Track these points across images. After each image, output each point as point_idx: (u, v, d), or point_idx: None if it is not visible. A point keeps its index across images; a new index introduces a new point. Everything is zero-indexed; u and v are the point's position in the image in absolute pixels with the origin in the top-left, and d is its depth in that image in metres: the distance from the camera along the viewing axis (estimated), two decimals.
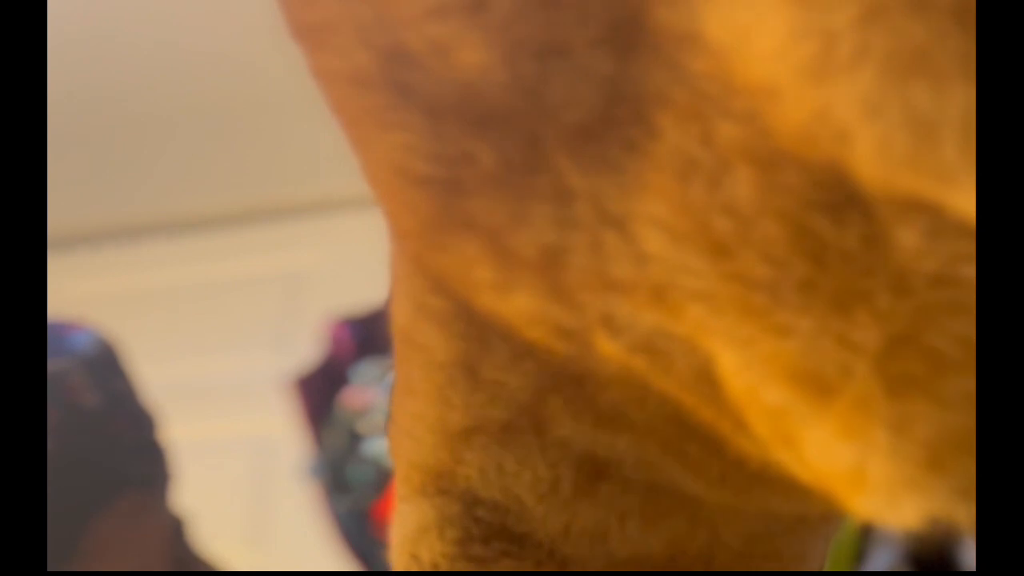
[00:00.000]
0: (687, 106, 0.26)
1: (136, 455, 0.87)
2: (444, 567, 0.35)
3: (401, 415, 0.36)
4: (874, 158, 0.24)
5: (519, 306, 0.30)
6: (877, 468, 0.26)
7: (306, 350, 1.62)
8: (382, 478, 1.37)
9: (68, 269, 2.19)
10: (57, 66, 1.79)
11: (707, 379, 0.29)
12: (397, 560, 0.37)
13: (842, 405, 0.26)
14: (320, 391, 1.53)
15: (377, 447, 1.38)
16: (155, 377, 2.07)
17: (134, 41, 1.92)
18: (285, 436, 1.66)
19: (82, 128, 2.04)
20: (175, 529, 0.89)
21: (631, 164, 0.27)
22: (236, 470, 1.98)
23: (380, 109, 0.30)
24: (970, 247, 0.24)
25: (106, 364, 0.87)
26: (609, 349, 0.30)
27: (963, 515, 0.27)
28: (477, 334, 0.32)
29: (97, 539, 0.80)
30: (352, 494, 1.43)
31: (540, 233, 0.29)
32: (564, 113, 0.28)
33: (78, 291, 2.18)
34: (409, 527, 0.36)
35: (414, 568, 0.35)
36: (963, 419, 0.26)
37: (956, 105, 0.23)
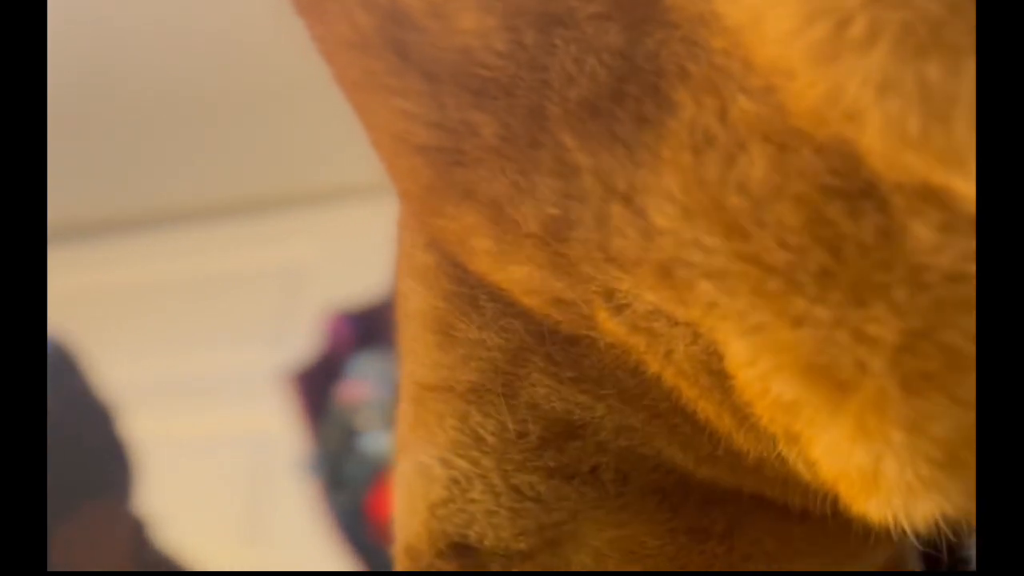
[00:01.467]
0: (705, 80, 0.26)
1: (93, 458, 0.86)
2: (427, 517, 0.35)
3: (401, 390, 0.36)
4: (884, 137, 0.23)
5: (517, 276, 0.30)
6: (892, 469, 0.26)
7: (304, 344, 1.62)
8: (379, 475, 1.37)
9: (62, 262, 2.18)
10: (52, 56, 1.79)
11: (709, 371, 0.28)
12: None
13: (857, 402, 0.25)
14: (318, 386, 1.53)
15: (374, 443, 1.38)
16: (151, 372, 2.07)
17: (129, 30, 1.92)
18: (283, 432, 1.66)
19: (76, 120, 2.03)
20: (138, 531, 0.89)
21: (643, 139, 0.27)
22: (233, 466, 1.98)
23: (380, 73, 0.29)
24: None
25: (58, 366, 0.87)
26: (609, 326, 0.29)
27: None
28: (465, 293, 0.32)
29: (60, 549, 0.80)
30: (349, 491, 1.42)
31: (543, 205, 0.28)
32: (570, 87, 0.27)
33: (72, 285, 2.17)
34: (399, 499, 0.36)
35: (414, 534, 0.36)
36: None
37: (969, 82, 0.22)
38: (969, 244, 0.24)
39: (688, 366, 0.29)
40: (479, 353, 0.32)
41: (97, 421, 0.89)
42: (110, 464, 0.88)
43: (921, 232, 0.24)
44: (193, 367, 2.06)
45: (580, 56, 0.27)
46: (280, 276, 2.14)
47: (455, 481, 0.34)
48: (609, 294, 0.28)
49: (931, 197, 0.24)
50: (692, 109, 0.26)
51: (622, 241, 0.27)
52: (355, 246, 1.83)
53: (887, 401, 0.25)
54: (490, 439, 0.33)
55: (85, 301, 2.18)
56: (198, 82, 2.01)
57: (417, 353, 0.33)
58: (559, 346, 0.31)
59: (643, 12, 0.26)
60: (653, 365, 0.29)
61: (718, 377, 0.28)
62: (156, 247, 2.23)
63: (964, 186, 0.23)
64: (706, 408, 0.30)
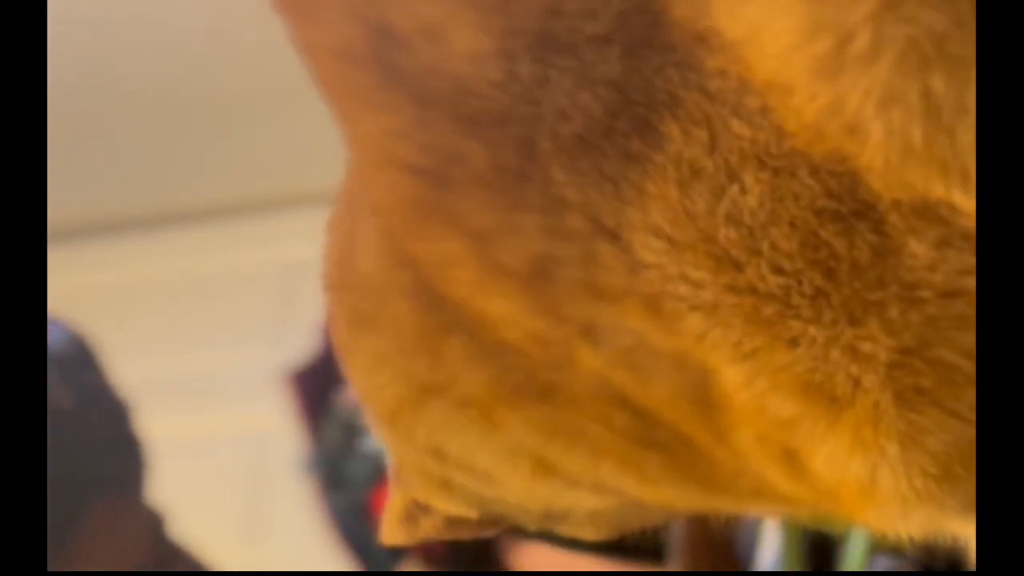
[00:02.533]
0: (697, 110, 0.26)
1: (111, 452, 0.86)
2: (435, 536, 0.36)
3: (359, 351, 0.35)
4: (886, 149, 0.23)
5: (497, 309, 0.29)
6: (888, 480, 0.26)
7: (304, 344, 1.62)
8: (380, 474, 1.37)
9: (62, 262, 2.18)
10: (52, 57, 1.79)
11: (689, 398, 0.29)
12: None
13: (853, 417, 0.26)
14: (317, 385, 1.53)
15: (376, 442, 1.38)
16: (151, 371, 2.07)
17: (130, 31, 1.92)
18: (282, 431, 1.66)
19: (77, 120, 2.03)
20: (155, 525, 0.88)
21: (629, 175, 0.27)
22: (233, 465, 1.98)
23: (368, 87, 0.29)
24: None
25: (78, 360, 0.86)
26: (589, 362, 0.29)
27: (972, 528, 0.27)
28: (438, 321, 0.31)
29: (78, 543, 0.79)
30: (350, 490, 1.42)
31: (528, 243, 0.28)
32: (562, 122, 0.27)
33: (72, 284, 2.17)
34: (396, 508, 0.37)
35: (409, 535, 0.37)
36: (974, 431, 0.26)
37: (973, 92, 0.22)
38: (964, 260, 0.24)
39: (667, 393, 0.29)
40: (460, 380, 0.32)
41: (113, 416, 0.88)
42: (126, 459, 0.88)
43: (917, 249, 0.25)
44: (193, 367, 2.06)
45: (575, 90, 0.27)
46: (279, 275, 2.14)
47: (467, 486, 0.35)
48: (590, 332, 0.28)
49: (928, 213, 0.24)
50: (679, 142, 0.26)
51: (608, 276, 0.27)
52: None
53: (882, 415, 0.26)
54: (496, 473, 0.34)
55: (85, 301, 2.18)
56: (197, 84, 2.01)
57: (414, 356, 0.32)
58: (531, 403, 0.31)
59: (644, 33, 0.26)
60: (633, 397, 0.30)
61: (699, 405, 0.28)
62: (156, 247, 2.23)
63: (963, 199, 0.23)
64: (686, 428, 0.30)
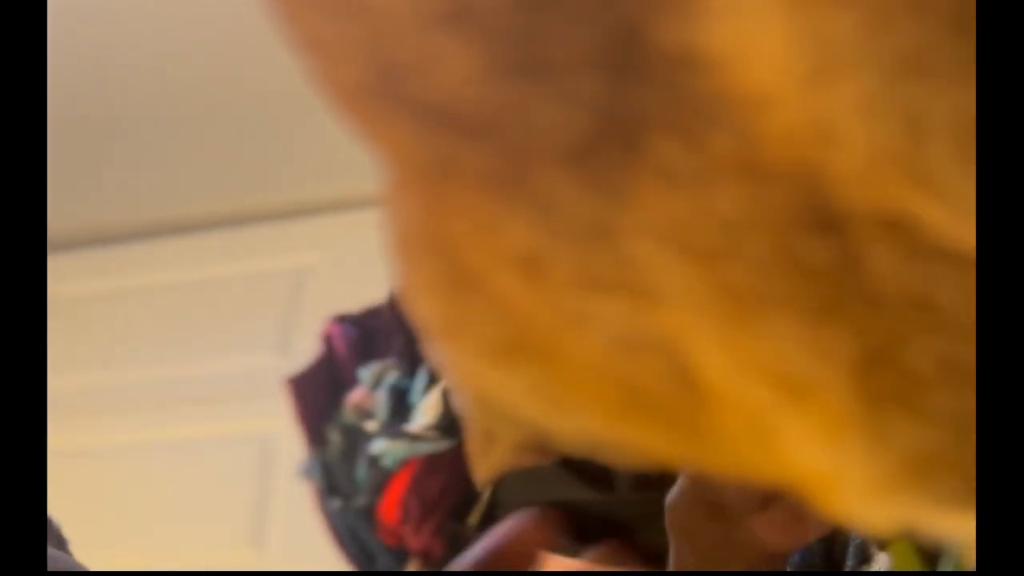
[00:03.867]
0: (680, 122, 0.27)
1: None
2: (511, 462, 0.38)
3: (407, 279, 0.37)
4: (861, 159, 0.25)
5: (500, 287, 0.31)
6: (852, 476, 0.27)
7: (309, 349, 1.63)
8: (384, 479, 1.37)
9: (77, 269, 2.20)
10: (59, 66, 1.80)
11: (672, 382, 0.30)
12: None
13: (819, 413, 0.27)
14: (320, 390, 1.54)
15: (381, 447, 1.39)
16: (159, 375, 2.08)
17: (136, 39, 1.93)
18: (287, 435, 1.67)
19: (87, 129, 2.04)
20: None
21: (619, 181, 0.28)
22: (238, 468, 1.98)
23: (376, 111, 0.31)
24: (944, 270, 0.25)
25: None
26: (581, 345, 0.31)
27: (941, 525, 0.28)
28: (458, 281, 0.33)
29: None
30: (355, 494, 1.43)
31: (521, 238, 0.30)
32: (548, 136, 0.28)
33: (87, 290, 2.18)
34: (474, 444, 0.39)
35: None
36: (940, 434, 0.26)
37: (947, 104, 0.23)
38: (929, 271, 0.25)
39: (661, 370, 0.30)
40: (484, 330, 0.34)
41: None
42: None
43: (882, 259, 0.25)
44: (200, 371, 2.07)
45: (559, 109, 0.28)
46: (286, 282, 2.14)
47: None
48: (580, 318, 0.30)
49: (896, 225, 0.25)
50: (664, 151, 0.27)
51: (598, 270, 0.29)
52: (360, 253, 1.84)
53: (848, 414, 0.27)
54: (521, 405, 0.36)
55: (92, 306, 2.19)
56: (205, 92, 2.02)
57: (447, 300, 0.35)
58: (527, 367, 0.32)
59: (627, 54, 0.27)
60: (625, 375, 0.31)
61: (680, 389, 0.30)
62: (163, 253, 2.24)
63: (939, 213, 0.24)
64: (672, 407, 0.31)
